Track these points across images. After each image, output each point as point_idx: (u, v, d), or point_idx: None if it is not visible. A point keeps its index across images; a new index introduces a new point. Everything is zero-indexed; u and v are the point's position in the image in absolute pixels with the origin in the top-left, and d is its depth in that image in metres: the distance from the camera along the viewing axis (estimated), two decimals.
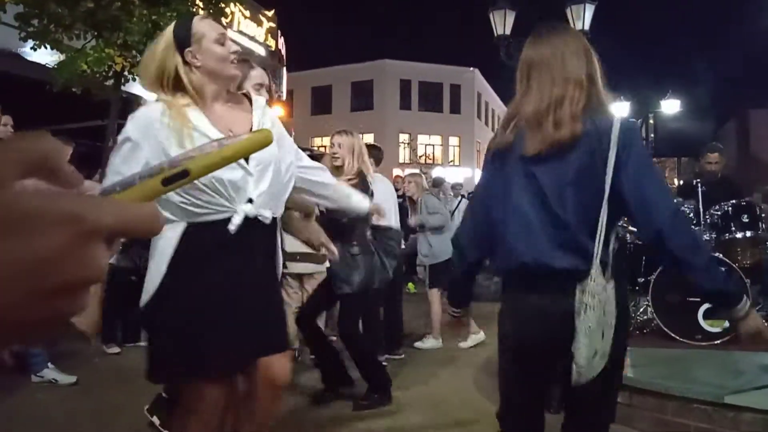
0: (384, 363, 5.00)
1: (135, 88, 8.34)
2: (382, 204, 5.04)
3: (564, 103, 1.77)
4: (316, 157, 4.12)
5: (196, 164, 0.44)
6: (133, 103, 8.28)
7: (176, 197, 1.93)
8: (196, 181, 1.83)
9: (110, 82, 6.75)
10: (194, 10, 7.00)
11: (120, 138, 2.01)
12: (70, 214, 0.36)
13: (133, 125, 2.00)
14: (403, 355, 5.34)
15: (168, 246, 1.96)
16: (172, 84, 2.00)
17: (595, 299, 1.71)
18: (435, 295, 5.83)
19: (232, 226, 1.96)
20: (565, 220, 1.75)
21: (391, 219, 5.13)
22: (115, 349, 5.40)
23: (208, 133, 1.95)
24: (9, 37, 7.33)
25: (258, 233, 2.05)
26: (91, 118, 8.21)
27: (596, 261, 1.72)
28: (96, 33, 6.49)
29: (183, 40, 1.99)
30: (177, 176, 0.43)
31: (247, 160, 2.00)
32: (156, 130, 1.95)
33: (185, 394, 2.09)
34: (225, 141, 0.48)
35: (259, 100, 2.21)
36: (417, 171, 6.52)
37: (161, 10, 6.42)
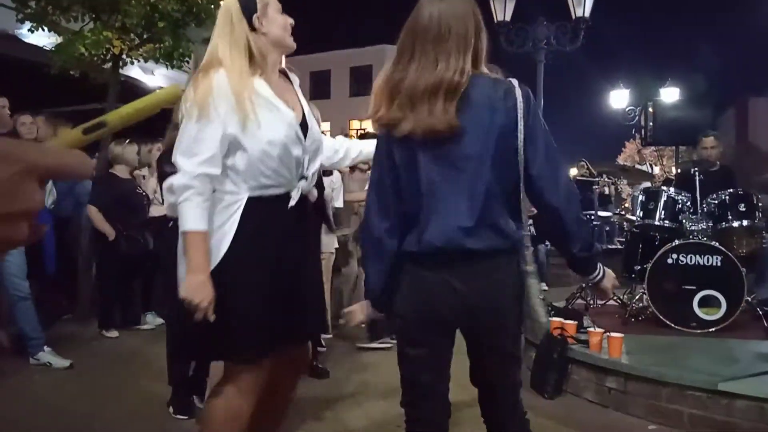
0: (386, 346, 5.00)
1: (133, 71, 8.29)
2: None
3: (440, 90, 1.74)
4: None
5: (112, 116, 0.51)
6: (131, 86, 8.24)
7: (244, 163, 1.94)
8: (268, 148, 1.92)
9: (108, 65, 6.70)
10: None
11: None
12: (12, 154, 0.42)
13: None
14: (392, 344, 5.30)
15: (231, 223, 1.95)
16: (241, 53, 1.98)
17: (533, 266, 1.88)
18: None
19: (292, 202, 2.01)
20: (481, 201, 1.76)
21: None
22: (114, 333, 5.42)
23: (272, 100, 1.98)
24: (6, 19, 7.27)
25: (307, 211, 2.12)
26: (88, 101, 8.16)
27: (526, 231, 1.86)
28: (94, 15, 6.43)
29: (250, 7, 2.01)
30: (95, 126, 0.50)
31: (304, 136, 2.04)
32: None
33: (236, 374, 2.01)
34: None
35: (295, 78, 2.24)
36: None
37: None
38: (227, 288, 1.92)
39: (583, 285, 5.79)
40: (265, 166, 1.96)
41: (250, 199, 1.97)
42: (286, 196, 2.02)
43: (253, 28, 2.01)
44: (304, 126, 2.07)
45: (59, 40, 6.65)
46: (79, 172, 0.46)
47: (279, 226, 2.02)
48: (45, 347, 4.43)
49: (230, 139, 1.93)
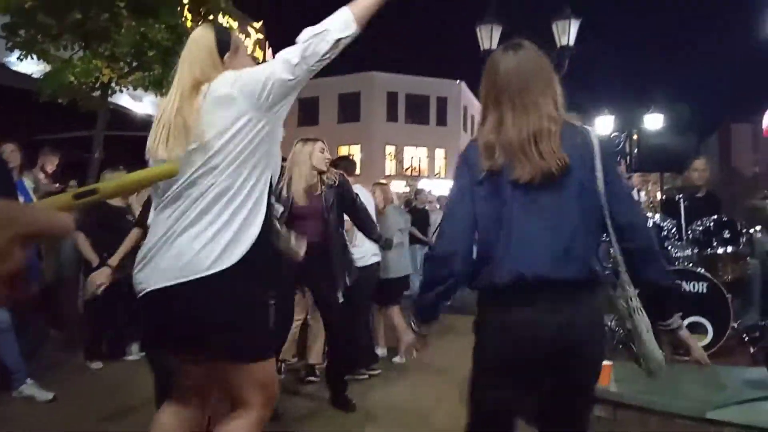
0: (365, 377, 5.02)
1: (122, 99, 8.33)
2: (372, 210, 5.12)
3: (542, 137, 1.84)
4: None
5: (105, 185, 0.53)
6: (120, 114, 8.26)
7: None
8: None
9: (97, 93, 6.73)
10: (182, 22, 7.01)
11: None
12: (8, 220, 0.44)
13: None
14: (379, 371, 5.28)
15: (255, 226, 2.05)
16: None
17: (636, 302, 1.89)
18: (396, 312, 5.63)
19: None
20: (568, 236, 1.82)
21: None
22: (98, 365, 5.34)
23: None
24: None
25: None
26: (77, 128, 8.17)
27: (623, 269, 1.90)
28: (84, 44, 6.47)
29: (224, 46, 2.16)
30: (87, 193, 0.51)
31: None
32: None
33: (248, 374, 2.06)
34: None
35: None
36: (382, 183, 6.42)
37: (150, 22, 6.41)
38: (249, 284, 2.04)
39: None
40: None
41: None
42: None
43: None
44: None
45: (48, 68, 6.67)
46: (61, 236, 0.49)
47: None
48: (28, 379, 4.36)
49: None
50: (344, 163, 5.44)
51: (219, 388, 2.23)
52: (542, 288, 1.79)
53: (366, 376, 5.08)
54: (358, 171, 5.90)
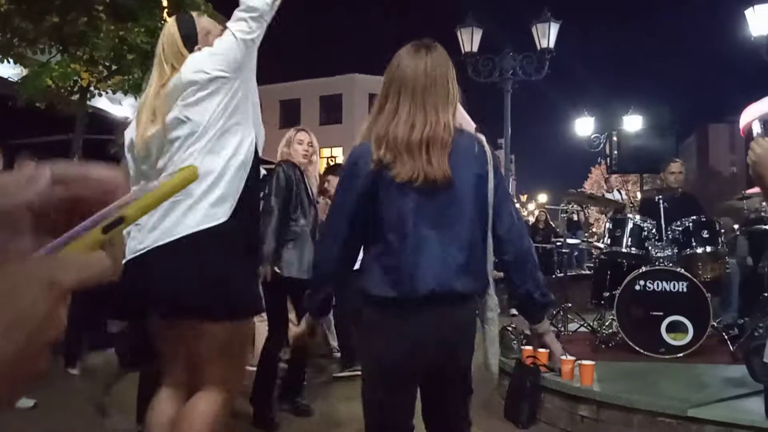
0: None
1: (101, 102, 8.24)
2: None
3: (435, 144, 1.83)
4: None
5: (131, 210, 0.50)
6: (99, 118, 8.17)
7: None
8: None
9: (76, 97, 6.66)
10: (161, 25, 6.96)
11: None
12: (49, 281, 0.39)
13: None
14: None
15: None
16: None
17: (494, 312, 1.99)
18: None
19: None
20: (458, 244, 1.84)
21: None
22: (77, 371, 5.28)
23: None
24: None
25: None
26: (55, 132, 8.08)
27: (491, 279, 1.99)
28: (61, 48, 6.40)
29: (191, 38, 2.15)
30: (114, 223, 0.48)
31: None
32: None
33: (234, 335, 2.08)
34: (151, 185, 0.54)
35: None
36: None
37: (129, 26, 6.36)
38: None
39: (554, 312, 5.86)
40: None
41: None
42: None
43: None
44: None
45: (25, 71, 6.59)
46: (105, 277, 0.42)
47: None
48: None
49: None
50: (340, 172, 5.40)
51: (188, 366, 2.16)
52: (445, 298, 1.83)
53: (348, 374, 5.06)
54: None
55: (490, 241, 1.96)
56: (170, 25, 2.23)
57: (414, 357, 1.88)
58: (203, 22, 2.24)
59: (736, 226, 7.56)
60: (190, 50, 2.13)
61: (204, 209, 1.99)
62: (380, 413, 1.97)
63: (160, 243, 1.98)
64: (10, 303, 0.38)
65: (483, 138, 1.96)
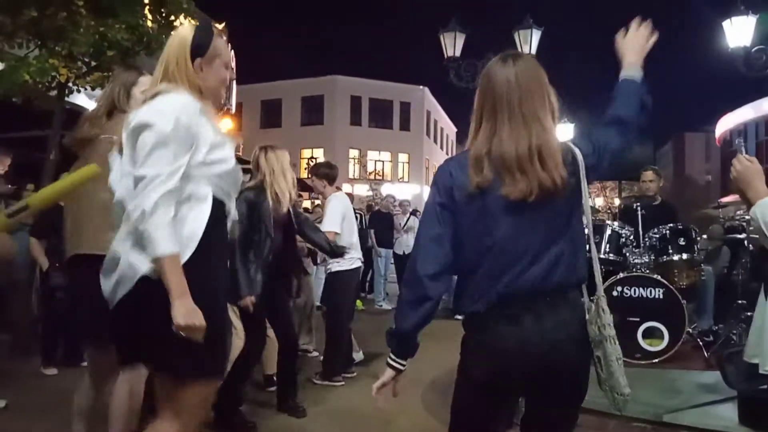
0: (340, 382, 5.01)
1: (79, 98, 8.11)
2: (338, 218, 5.07)
3: (543, 151, 1.77)
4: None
5: (33, 199, 0.53)
6: (77, 114, 8.05)
7: (211, 179, 1.99)
8: (219, 169, 1.98)
9: (54, 93, 6.55)
10: (143, 22, 6.88)
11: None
12: None
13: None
14: (354, 374, 5.33)
15: (199, 227, 1.93)
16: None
17: (611, 330, 1.79)
18: None
19: (231, 217, 2.12)
20: (562, 252, 1.77)
21: (350, 236, 5.15)
22: (53, 371, 5.20)
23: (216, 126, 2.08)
24: None
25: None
26: (31, 127, 7.95)
27: (600, 292, 1.82)
28: (40, 42, 6.30)
29: (200, 50, 2.06)
30: (19, 210, 0.51)
31: None
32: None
33: (184, 394, 1.95)
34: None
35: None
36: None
37: (109, 22, 6.27)
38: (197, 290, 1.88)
39: None
40: (221, 178, 2.03)
41: (215, 199, 2.00)
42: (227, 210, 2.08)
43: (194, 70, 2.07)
44: None
45: (2, 66, 6.47)
46: (2, 257, 0.47)
47: (222, 237, 2.07)
48: None
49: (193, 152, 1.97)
50: (325, 170, 5.36)
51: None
52: (537, 299, 1.76)
53: (342, 382, 5.06)
54: None
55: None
56: (186, 27, 2.17)
57: (506, 368, 1.83)
58: (219, 42, 2.14)
59: (706, 235, 7.68)
60: (192, 60, 2.05)
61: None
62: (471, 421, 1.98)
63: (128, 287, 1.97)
64: None
65: (575, 147, 1.85)
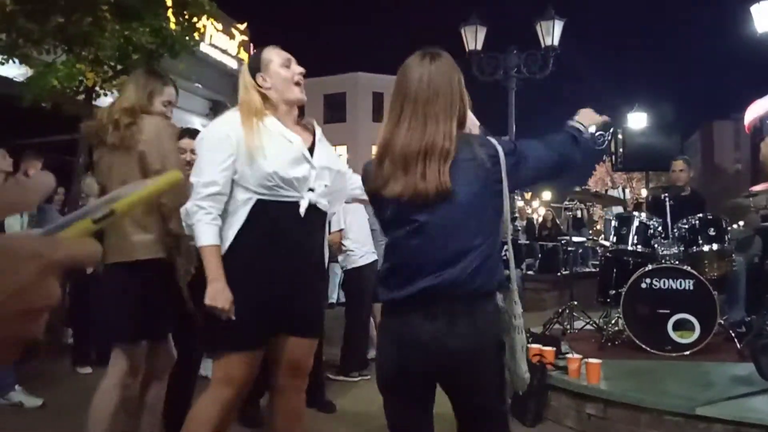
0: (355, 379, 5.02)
1: (106, 102, 8.25)
2: (341, 215, 5.06)
3: (434, 154, 1.78)
4: None
5: (120, 204, 0.54)
6: None
7: (251, 185, 2.25)
8: (265, 177, 2.24)
9: (81, 97, 6.67)
10: (166, 24, 6.96)
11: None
12: (33, 253, 0.44)
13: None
14: (369, 376, 5.26)
15: (238, 221, 2.26)
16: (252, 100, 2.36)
17: (519, 321, 1.90)
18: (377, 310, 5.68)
19: (302, 209, 2.29)
20: (478, 253, 1.78)
21: (359, 231, 5.15)
22: (87, 370, 5.30)
23: (282, 132, 2.32)
24: None
25: (317, 219, 2.37)
26: (61, 132, 8.10)
27: (514, 284, 1.92)
28: (67, 48, 6.41)
29: (254, 66, 2.39)
30: (106, 216, 0.52)
31: (311, 155, 2.36)
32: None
33: (227, 365, 2.28)
34: (139, 184, 0.57)
35: (318, 128, 2.54)
36: None
37: (134, 25, 6.36)
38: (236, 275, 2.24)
39: (560, 310, 5.85)
40: (265, 189, 2.26)
41: (259, 201, 2.26)
42: (295, 204, 2.28)
43: (259, 85, 2.36)
44: (312, 150, 2.40)
45: (30, 72, 6.60)
46: (90, 262, 0.49)
47: (287, 229, 2.28)
48: (16, 386, 4.32)
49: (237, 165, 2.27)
50: None
51: None
52: (441, 298, 1.78)
53: (357, 379, 5.07)
54: None
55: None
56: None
57: (408, 362, 1.89)
58: (267, 52, 2.45)
59: (741, 223, 7.54)
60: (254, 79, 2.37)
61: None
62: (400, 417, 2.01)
63: None
64: None
65: (494, 140, 1.88)
